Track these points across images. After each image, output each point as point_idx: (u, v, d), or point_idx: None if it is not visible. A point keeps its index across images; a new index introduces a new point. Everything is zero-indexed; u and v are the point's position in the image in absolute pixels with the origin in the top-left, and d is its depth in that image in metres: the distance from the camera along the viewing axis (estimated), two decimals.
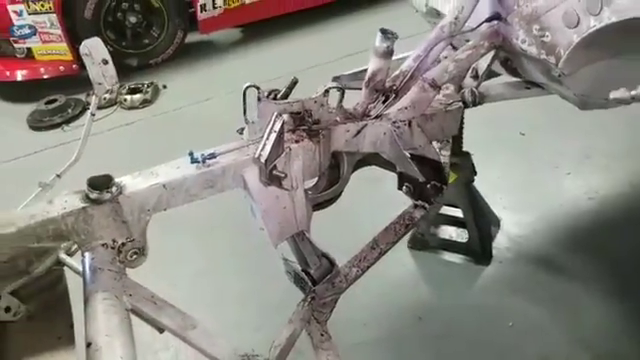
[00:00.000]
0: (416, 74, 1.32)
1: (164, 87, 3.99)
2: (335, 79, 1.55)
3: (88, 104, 3.75)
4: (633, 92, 1.02)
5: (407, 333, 1.85)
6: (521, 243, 2.16)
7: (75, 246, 1.15)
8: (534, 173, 2.53)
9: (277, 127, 1.10)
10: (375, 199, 2.25)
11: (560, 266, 2.04)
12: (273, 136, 1.09)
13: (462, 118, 1.67)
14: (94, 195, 1.04)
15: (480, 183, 2.08)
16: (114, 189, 1.06)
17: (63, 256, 1.16)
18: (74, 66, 3.84)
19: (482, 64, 1.47)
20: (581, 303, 1.88)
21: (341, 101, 1.25)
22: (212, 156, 1.14)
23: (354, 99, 1.32)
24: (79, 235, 1.04)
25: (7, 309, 1.02)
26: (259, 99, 1.14)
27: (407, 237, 2.17)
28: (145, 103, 3.77)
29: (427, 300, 2.00)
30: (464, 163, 1.95)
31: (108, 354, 0.84)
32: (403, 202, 1.42)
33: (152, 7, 4.13)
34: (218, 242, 2.34)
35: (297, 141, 1.19)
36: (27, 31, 3.73)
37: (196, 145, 1.20)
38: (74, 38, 3.77)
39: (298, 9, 4.60)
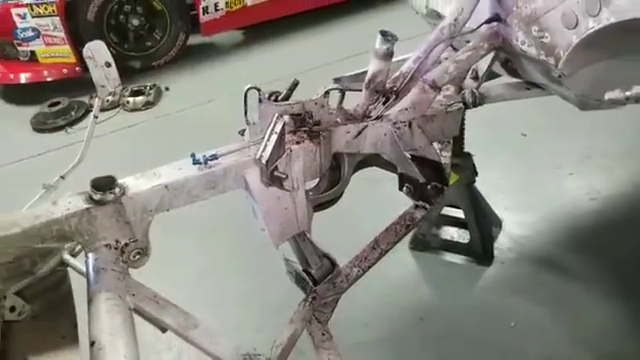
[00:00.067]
0: (416, 75, 1.33)
1: (166, 89, 4.01)
2: (336, 81, 1.56)
3: (91, 106, 3.77)
4: (627, 93, 1.03)
5: (408, 333, 1.86)
6: (523, 244, 2.16)
7: (79, 247, 1.16)
8: (535, 174, 2.53)
9: (278, 128, 1.11)
10: (376, 200, 2.25)
11: (562, 266, 2.04)
12: (274, 137, 1.10)
13: (463, 119, 1.68)
14: (97, 196, 1.05)
15: (481, 184, 2.08)
16: (117, 190, 1.06)
17: (67, 257, 1.17)
18: (77, 69, 3.86)
19: (482, 65, 1.47)
20: (583, 303, 1.88)
21: (341, 102, 1.26)
22: (214, 157, 1.15)
23: (355, 100, 1.33)
24: (83, 236, 1.05)
25: (12, 309, 1.03)
26: (260, 101, 1.15)
27: (408, 238, 2.18)
28: (148, 105, 3.79)
29: (428, 300, 2.00)
30: (465, 164, 1.95)
31: (111, 353, 0.85)
32: (404, 203, 1.43)
33: (154, 10, 4.16)
34: (220, 243, 2.35)
35: (298, 142, 1.20)
36: (30, 34, 3.76)
37: (198, 146, 1.21)
38: (77, 41, 3.79)
39: (299, 11, 4.61)
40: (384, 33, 1.24)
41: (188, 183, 1.12)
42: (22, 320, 1.05)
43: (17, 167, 3.23)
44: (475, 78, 1.52)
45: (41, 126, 3.65)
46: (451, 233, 2.21)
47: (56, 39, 3.78)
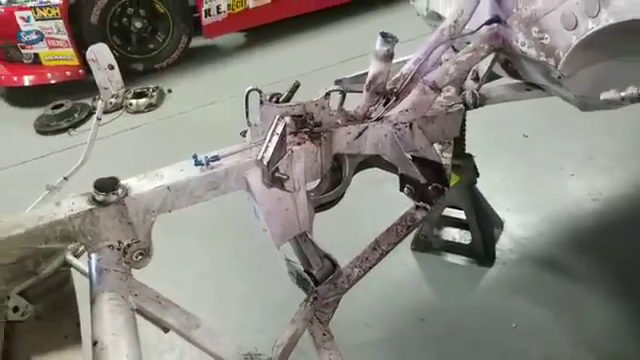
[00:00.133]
0: (417, 77, 1.33)
1: (169, 91, 4.03)
2: (336, 82, 1.56)
3: (94, 109, 3.79)
4: (623, 93, 1.03)
5: (410, 334, 1.86)
6: (524, 244, 2.16)
7: (82, 247, 1.18)
8: (537, 175, 2.53)
9: (279, 130, 1.12)
10: (377, 201, 2.25)
11: (564, 267, 2.04)
12: (275, 138, 1.11)
13: (464, 120, 1.69)
14: (100, 197, 1.05)
15: (483, 185, 2.08)
16: (120, 191, 1.07)
17: (70, 257, 1.18)
18: (80, 71, 3.88)
19: (483, 66, 1.48)
20: (585, 304, 1.88)
21: (342, 104, 1.26)
22: (215, 158, 1.16)
23: (355, 102, 1.34)
24: (86, 236, 1.06)
25: (15, 309, 1.04)
26: (261, 102, 1.16)
27: (410, 239, 2.18)
28: (150, 107, 3.80)
29: (430, 301, 2.00)
30: (467, 165, 1.96)
31: (114, 352, 0.86)
32: (405, 204, 1.43)
33: (157, 12, 4.17)
34: (221, 243, 2.35)
35: (299, 143, 1.20)
36: (34, 37, 3.78)
37: (200, 148, 1.21)
38: (80, 43, 3.81)
39: (300, 13, 4.63)
40: (384, 35, 1.24)
41: (190, 184, 1.13)
42: (25, 320, 1.06)
43: (20, 169, 3.25)
44: (476, 79, 1.53)
45: (44, 128, 3.67)
46: (453, 234, 2.21)
47: (59, 42, 3.80)
